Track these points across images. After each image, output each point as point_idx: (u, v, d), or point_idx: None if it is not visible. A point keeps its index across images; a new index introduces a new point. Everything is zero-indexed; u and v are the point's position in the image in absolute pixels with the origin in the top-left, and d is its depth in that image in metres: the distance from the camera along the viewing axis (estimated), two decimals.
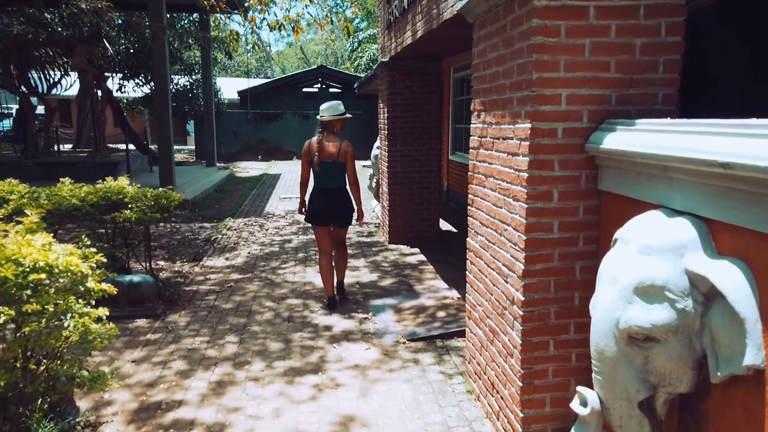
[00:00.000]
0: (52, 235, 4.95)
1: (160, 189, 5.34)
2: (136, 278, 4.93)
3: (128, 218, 4.94)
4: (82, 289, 2.32)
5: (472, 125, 3.48)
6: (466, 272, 3.65)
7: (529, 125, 2.57)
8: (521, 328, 2.69)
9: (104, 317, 2.36)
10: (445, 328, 4.51)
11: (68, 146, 17.85)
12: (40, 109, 16.89)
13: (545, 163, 2.59)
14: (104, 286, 2.40)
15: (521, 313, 2.68)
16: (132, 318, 4.84)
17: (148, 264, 5.46)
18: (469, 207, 3.57)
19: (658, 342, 1.92)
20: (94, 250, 2.51)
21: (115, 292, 2.45)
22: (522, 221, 2.65)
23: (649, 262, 1.92)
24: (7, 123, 21.95)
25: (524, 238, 2.63)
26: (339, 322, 4.77)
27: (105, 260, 2.59)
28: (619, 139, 2.36)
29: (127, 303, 4.88)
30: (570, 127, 2.57)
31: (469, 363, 3.67)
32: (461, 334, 4.39)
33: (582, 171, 2.62)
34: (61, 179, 5.40)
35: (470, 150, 3.51)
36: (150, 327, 4.68)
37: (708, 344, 1.86)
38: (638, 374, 1.99)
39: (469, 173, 3.54)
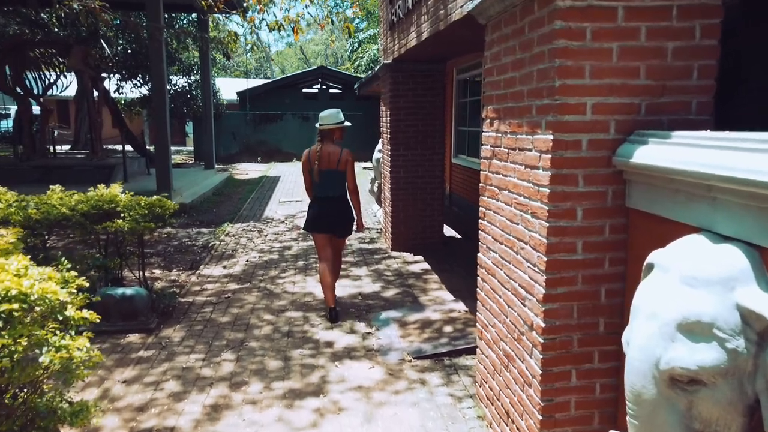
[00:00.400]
0: (38, 246, 4.75)
1: (155, 197, 5.12)
2: (128, 291, 4.71)
3: (120, 228, 4.73)
4: (61, 318, 2.11)
5: (483, 133, 3.27)
6: (477, 289, 3.44)
7: (551, 136, 2.35)
8: (541, 356, 2.47)
9: (85, 348, 2.15)
10: (452, 345, 4.29)
11: (67, 147, 17.65)
12: (37, 110, 16.70)
13: (568, 177, 2.37)
14: (86, 313, 2.18)
15: (541, 341, 2.46)
16: (124, 333, 4.62)
17: (141, 274, 5.24)
18: (480, 221, 3.36)
19: (704, 385, 1.70)
20: (75, 273, 2.29)
21: (98, 320, 2.23)
22: (542, 241, 2.43)
23: (694, 295, 1.70)
24: (4, 124, 21.75)
25: (545, 259, 2.41)
26: (341, 338, 4.55)
27: (87, 284, 2.38)
28: (652, 153, 2.14)
29: (119, 317, 4.67)
30: (596, 138, 2.36)
31: (480, 386, 3.45)
32: (470, 351, 4.18)
33: (608, 186, 2.40)
34: (51, 186, 5.18)
35: (482, 160, 3.29)
36: (143, 343, 4.46)
37: (762, 389, 1.65)
38: (681, 420, 1.77)
39: (481, 184, 3.33)
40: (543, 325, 2.45)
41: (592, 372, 2.52)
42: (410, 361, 4.11)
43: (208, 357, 4.19)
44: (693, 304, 1.70)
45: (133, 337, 4.57)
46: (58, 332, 2.10)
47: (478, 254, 3.40)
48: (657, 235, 2.20)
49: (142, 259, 5.24)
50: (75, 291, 2.22)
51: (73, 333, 2.19)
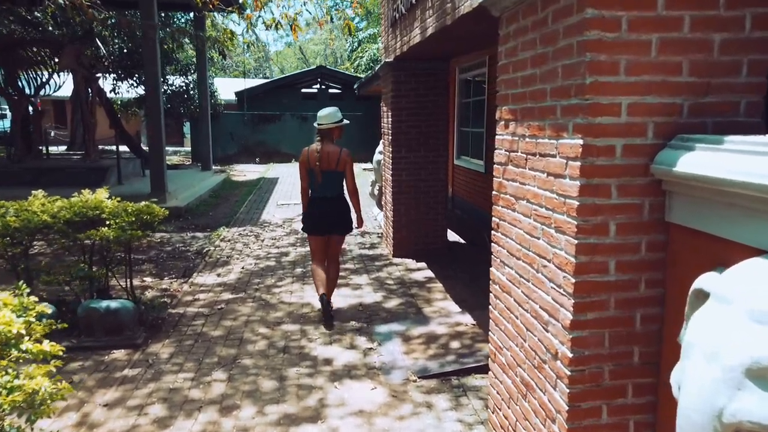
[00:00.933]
0: (18, 255, 4.46)
1: (142, 203, 4.83)
2: (113, 304, 4.41)
3: (106, 236, 4.44)
4: (15, 352, 1.82)
5: (497, 136, 2.97)
6: (490, 307, 3.14)
7: (581, 141, 2.06)
8: (568, 391, 2.18)
9: (44, 387, 1.85)
10: (460, 363, 3.99)
11: (63, 148, 17.35)
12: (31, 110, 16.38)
13: (600, 188, 2.08)
14: (45, 345, 1.89)
15: (568, 373, 2.17)
16: (109, 349, 4.32)
17: (129, 284, 4.94)
18: (493, 232, 3.06)
19: None
20: (34, 298, 2.00)
21: (62, 352, 1.94)
22: (570, 260, 2.14)
23: (766, 334, 1.42)
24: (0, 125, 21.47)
25: (572, 280, 2.12)
26: (340, 354, 4.26)
27: (50, 311, 2.09)
28: (700, 161, 1.85)
29: (104, 332, 4.37)
30: (631, 144, 2.07)
31: (493, 413, 3.15)
32: (479, 370, 3.89)
33: (645, 198, 2.11)
34: (33, 192, 4.90)
35: (495, 165, 3.00)
36: (128, 360, 4.17)
37: None
38: None
39: (494, 192, 3.03)
40: (570, 355, 2.16)
41: (626, 408, 2.22)
42: (415, 381, 3.82)
43: (197, 376, 3.90)
44: (765, 346, 1.41)
45: (119, 354, 4.27)
46: (10, 370, 1.80)
47: (491, 268, 3.11)
48: (704, 255, 1.92)
49: (129, 269, 4.95)
50: (33, 320, 1.92)
51: (32, 368, 1.89)
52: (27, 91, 13.37)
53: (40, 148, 13.34)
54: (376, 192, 10.17)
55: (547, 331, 2.35)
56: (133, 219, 4.63)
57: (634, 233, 2.12)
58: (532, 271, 2.51)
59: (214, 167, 17.25)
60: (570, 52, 2.13)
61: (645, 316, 2.17)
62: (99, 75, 13.92)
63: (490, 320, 3.13)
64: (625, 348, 2.18)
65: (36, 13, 13.76)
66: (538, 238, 2.44)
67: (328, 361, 4.13)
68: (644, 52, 2.02)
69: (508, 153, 2.82)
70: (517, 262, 2.71)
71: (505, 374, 2.91)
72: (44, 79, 13.91)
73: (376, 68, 8.29)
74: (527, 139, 2.56)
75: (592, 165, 2.06)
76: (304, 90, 24.47)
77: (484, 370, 3.84)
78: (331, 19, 9.97)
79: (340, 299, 5.48)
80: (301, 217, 5.20)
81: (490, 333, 3.15)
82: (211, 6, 8.11)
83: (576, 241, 2.10)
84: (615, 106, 2.04)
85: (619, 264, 2.13)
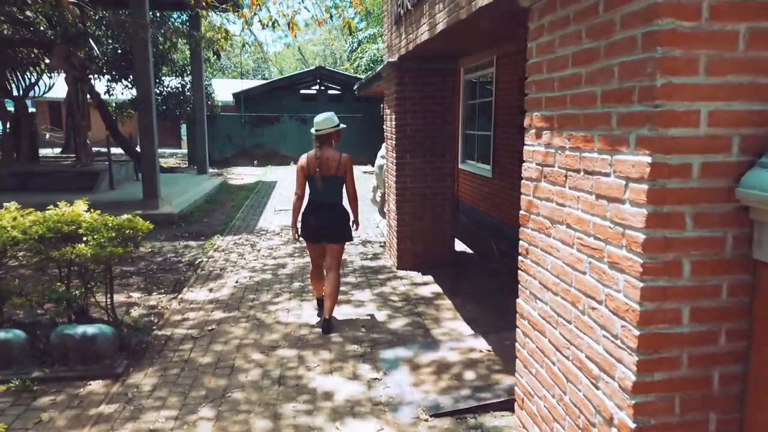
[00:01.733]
0: None
1: (124, 216, 4.40)
2: (90, 330, 3.97)
3: (82, 254, 4.01)
4: None
5: (526, 147, 2.55)
6: (517, 344, 2.72)
7: (648, 159, 1.64)
8: None
9: None
10: (477, 399, 3.57)
11: (59, 150, 16.92)
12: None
13: (671, 217, 1.66)
14: None
15: None
16: (85, 380, 3.89)
17: (109, 304, 4.50)
18: (521, 258, 2.64)
19: None
20: None
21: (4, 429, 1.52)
22: (632, 306, 1.72)
23: None
24: None
25: (636, 333, 1.70)
26: (342, 386, 3.83)
27: None
28: None
29: (80, 360, 3.94)
30: (712, 161, 1.65)
31: None
32: (498, 407, 3.46)
33: (728, 230, 1.69)
34: (5, 204, 4.48)
35: (524, 181, 2.58)
36: (106, 393, 3.74)
37: None
38: None
39: (522, 212, 2.61)
40: (632, 425, 1.73)
41: None
42: (426, 420, 3.39)
43: (181, 414, 3.47)
44: None
45: (96, 386, 3.84)
46: None
47: (518, 300, 2.68)
48: None
49: (109, 289, 4.51)
50: None
51: None
52: (15, 92, 12.92)
53: (34, 151, 12.88)
54: (378, 198, 9.74)
55: (598, 388, 1.93)
56: (114, 234, 4.20)
57: (713, 273, 1.70)
58: (576, 312, 2.09)
59: (210, 170, 16.83)
60: (631, 47, 1.71)
61: (725, 376, 1.75)
62: (91, 76, 13.46)
63: (518, 359, 2.71)
64: (700, 415, 1.76)
65: (27, 12, 13.33)
66: (584, 273, 2.02)
67: (328, 395, 3.70)
68: (730, 46, 1.60)
69: (540, 167, 2.40)
70: (553, 297, 2.29)
71: (537, 427, 2.48)
72: (32, 81, 13.46)
73: (378, 68, 7.88)
74: (567, 152, 2.14)
75: (663, 188, 1.64)
76: (303, 91, 24.03)
77: (504, 406, 3.42)
78: (331, 17, 9.56)
79: (341, 318, 5.06)
80: (299, 223, 4.88)
81: (516, 374, 2.72)
82: (204, 3, 7.70)
83: (641, 284, 1.67)
84: (692, 115, 1.62)
85: (694, 311, 1.71)
